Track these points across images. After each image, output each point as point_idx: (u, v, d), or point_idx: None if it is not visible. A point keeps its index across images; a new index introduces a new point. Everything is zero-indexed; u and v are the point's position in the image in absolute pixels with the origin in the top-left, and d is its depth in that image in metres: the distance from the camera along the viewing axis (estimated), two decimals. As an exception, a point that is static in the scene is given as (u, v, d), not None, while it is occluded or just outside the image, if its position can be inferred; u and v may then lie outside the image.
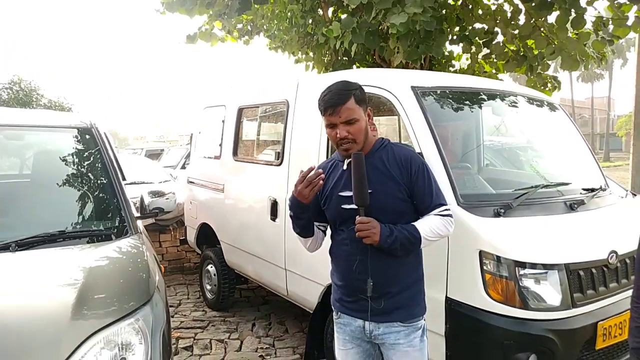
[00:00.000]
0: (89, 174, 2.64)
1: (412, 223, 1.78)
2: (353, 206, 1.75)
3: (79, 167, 2.68)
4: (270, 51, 7.61)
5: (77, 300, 1.70)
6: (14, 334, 1.55)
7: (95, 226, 2.39)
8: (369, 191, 1.71)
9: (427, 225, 1.78)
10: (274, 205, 3.52)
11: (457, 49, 5.99)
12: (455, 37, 5.71)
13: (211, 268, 4.53)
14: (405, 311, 1.81)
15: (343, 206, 1.81)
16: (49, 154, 2.84)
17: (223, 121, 4.51)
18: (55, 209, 2.45)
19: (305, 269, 3.22)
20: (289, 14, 6.60)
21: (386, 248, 1.72)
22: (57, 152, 2.76)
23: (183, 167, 9.09)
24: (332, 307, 1.96)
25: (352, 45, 4.89)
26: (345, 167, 1.84)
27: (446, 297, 2.29)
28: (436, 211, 1.81)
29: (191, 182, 4.92)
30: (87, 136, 2.77)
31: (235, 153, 4.28)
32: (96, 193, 2.55)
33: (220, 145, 4.50)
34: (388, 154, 1.83)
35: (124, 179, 2.74)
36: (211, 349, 3.68)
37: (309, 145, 3.29)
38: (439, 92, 2.89)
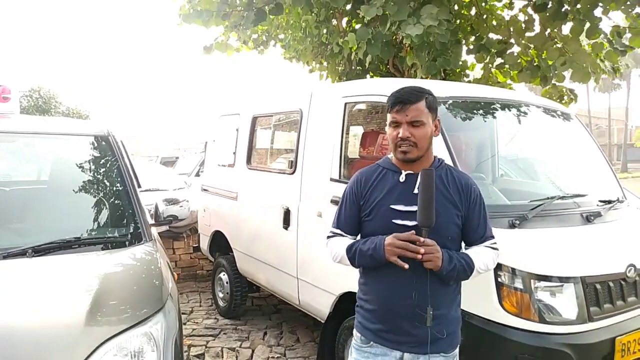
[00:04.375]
0: (105, 181, 2.68)
1: (466, 252, 1.69)
2: (407, 222, 1.62)
3: (95, 174, 2.72)
4: (285, 60, 7.70)
5: (91, 307, 1.72)
6: (29, 340, 1.57)
7: (110, 233, 2.42)
8: None
9: (480, 258, 1.70)
10: (287, 214, 3.52)
11: (471, 58, 5.98)
12: (471, 47, 5.70)
13: (223, 276, 4.54)
14: (447, 341, 1.69)
15: (395, 221, 1.65)
16: (66, 161, 2.88)
17: (237, 130, 4.55)
18: (71, 215, 2.48)
19: (317, 278, 3.21)
20: (303, 24, 6.67)
21: (442, 275, 1.60)
22: (74, 159, 2.80)
23: (197, 175, 9.15)
24: (358, 333, 1.76)
25: (366, 55, 4.91)
26: (403, 178, 1.68)
27: (459, 308, 2.27)
28: (488, 243, 1.75)
29: (205, 190, 4.95)
30: (104, 143, 2.82)
31: (249, 161, 4.31)
32: (112, 200, 2.59)
33: (234, 153, 4.54)
34: (447, 176, 1.71)
35: (139, 186, 2.77)
36: (222, 358, 3.68)
37: (322, 154, 3.29)
38: (452, 102, 2.88)
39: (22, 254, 2.02)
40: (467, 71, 6.21)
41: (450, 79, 5.69)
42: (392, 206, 1.67)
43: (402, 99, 1.65)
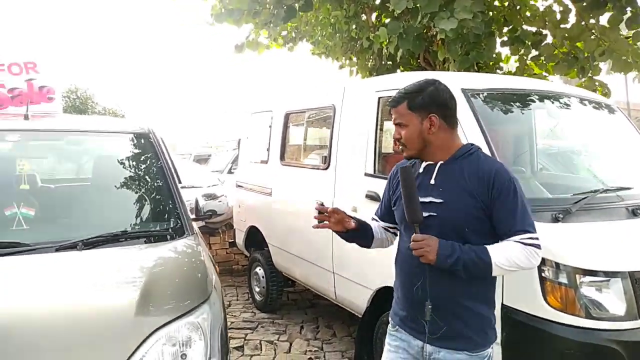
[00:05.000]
0: (147, 177, 2.76)
1: (486, 245, 1.58)
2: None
3: (138, 171, 2.80)
4: (314, 56, 7.70)
5: (141, 298, 1.77)
6: (84, 328, 1.63)
7: (154, 227, 2.49)
8: (440, 201, 1.61)
9: (502, 252, 1.57)
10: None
11: (505, 50, 5.86)
12: (505, 39, 5.59)
13: (259, 270, 4.60)
14: (471, 340, 1.64)
15: None
16: (108, 158, 2.97)
17: (270, 126, 4.59)
18: (116, 210, 2.56)
19: (354, 273, 3.22)
20: (332, 20, 6.66)
21: (446, 268, 1.57)
22: (116, 156, 2.89)
23: (230, 172, 9.28)
24: (390, 318, 1.84)
25: (397, 50, 4.88)
26: (421, 169, 1.72)
27: (502, 304, 2.23)
28: (518, 237, 1.57)
29: (240, 186, 5.02)
30: (145, 141, 2.90)
31: (282, 157, 4.35)
32: (154, 195, 2.66)
33: (268, 150, 4.59)
34: (471, 164, 1.65)
35: (179, 182, 2.84)
36: (261, 350, 3.74)
37: (356, 149, 3.30)
38: (489, 94, 2.84)
39: (73, 246, 2.09)
40: (501, 64, 6.08)
41: (483, 72, 5.59)
42: None
43: (389, 104, 1.76)
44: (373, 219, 1.95)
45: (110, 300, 1.78)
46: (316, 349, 3.75)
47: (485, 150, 2.40)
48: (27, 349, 1.53)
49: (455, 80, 2.83)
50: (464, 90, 2.66)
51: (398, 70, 6.37)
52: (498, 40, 5.60)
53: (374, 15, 6.37)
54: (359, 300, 3.17)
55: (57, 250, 2.07)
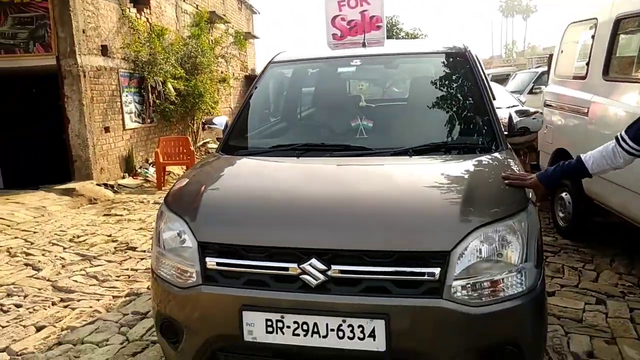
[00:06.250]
0: (465, 93, 2.92)
1: None
2: None
3: (456, 87, 2.99)
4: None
5: (464, 198, 1.98)
6: (422, 216, 1.94)
7: (471, 140, 2.67)
8: None
9: None
10: (657, 132, 3.04)
11: None
12: None
13: (565, 195, 4.35)
14: None
15: None
16: (431, 77, 3.19)
17: (593, 36, 4.07)
18: (438, 124, 2.81)
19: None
20: None
21: None
22: (438, 74, 3.12)
23: (531, 92, 8.68)
24: None
25: None
26: None
27: None
28: None
29: (548, 105, 4.72)
30: (462, 59, 3.04)
31: (605, 72, 3.84)
32: (471, 110, 2.82)
33: (587, 64, 4.12)
34: None
35: (494, 98, 2.90)
36: (563, 274, 3.64)
37: None
38: None
39: (405, 152, 2.47)
40: None
41: None
42: None
43: None
44: (621, 137, 2.08)
45: (440, 197, 2.07)
46: (630, 284, 3.41)
47: None
48: (382, 220, 1.92)
49: None
50: None
51: None
52: None
53: None
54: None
55: (392, 155, 2.49)
